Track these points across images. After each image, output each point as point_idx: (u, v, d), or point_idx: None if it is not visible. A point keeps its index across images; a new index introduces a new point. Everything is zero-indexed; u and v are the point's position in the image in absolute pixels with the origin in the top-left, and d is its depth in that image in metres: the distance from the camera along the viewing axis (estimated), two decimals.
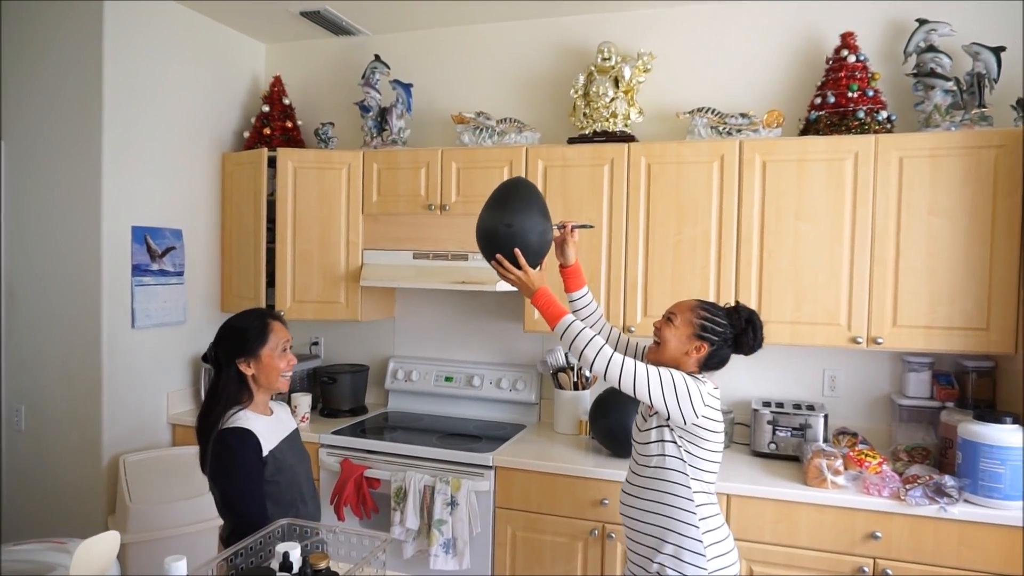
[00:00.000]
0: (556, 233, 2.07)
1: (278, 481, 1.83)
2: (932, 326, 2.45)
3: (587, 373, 3.02)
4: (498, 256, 1.90)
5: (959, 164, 2.40)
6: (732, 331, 1.88)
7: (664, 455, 1.84)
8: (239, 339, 1.87)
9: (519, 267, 1.89)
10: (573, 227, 2.10)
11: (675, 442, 1.83)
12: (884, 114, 2.57)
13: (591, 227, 2.24)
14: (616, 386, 1.78)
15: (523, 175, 2.89)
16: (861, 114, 2.55)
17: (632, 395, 1.78)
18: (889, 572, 2.24)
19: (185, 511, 2.77)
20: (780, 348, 2.88)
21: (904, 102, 2.72)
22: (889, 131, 2.57)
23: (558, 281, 2.14)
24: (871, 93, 2.58)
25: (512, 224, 1.87)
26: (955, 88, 2.51)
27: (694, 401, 1.78)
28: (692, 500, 1.82)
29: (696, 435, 1.81)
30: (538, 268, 1.93)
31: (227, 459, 1.78)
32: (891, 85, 2.74)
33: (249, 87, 3.59)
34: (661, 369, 1.80)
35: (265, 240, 3.19)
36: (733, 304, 1.93)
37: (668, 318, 1.91)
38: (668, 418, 1.80)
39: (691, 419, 1.78)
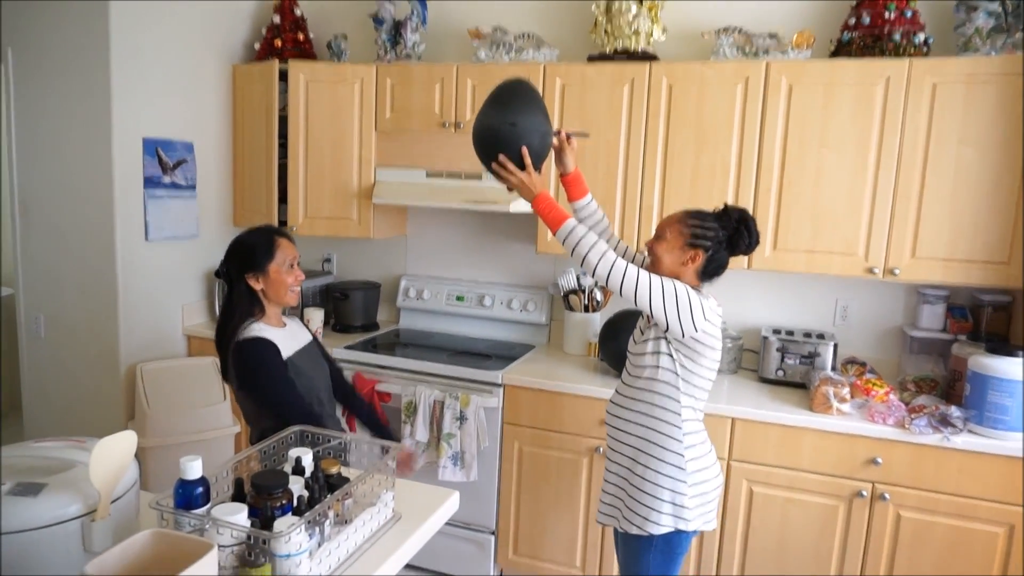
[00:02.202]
0: (553, 141, 2.00)
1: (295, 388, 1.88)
2: (951, 258, 2.41)
3: (589, 278, 3.01)
4: (501, 157, 1.84)
5: (995, 92, 2.30)
6: (724, 233, 1.85)
7: (658, 367, 1.84)
8: (247, 255, 1.89)
9: (522, 168, 1.84)
10: (569, 135, 2.03)
11: (671, 355, 1.83)
12: (921, 36, 2.45)
13: (587, 135, 2.17)
14: (617, 293, 1.77)
15: (541, 94, 2.79)
16: (897, 36, 2.44)
17: (632, 303, 1.77)
18: (887, 496, 2.29)
19: (201, 418, 2.85)
20: (793, 276, 2.85)
21: (944, 24, 2.59)
22: (925, 55, 2.46)
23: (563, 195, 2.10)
24: (909, 14, 2.45)
25: (516, 123, 1.81)
26: (999, 10, 2.38)
27: (695, 314, 1.77)
28: (679, 415, 1.84)
29: (693, 349, 1.81)
30: (538, 172, 1.88)
31: (251, 368, 1.84)
32: (931, 6, 2.60)
33: None
34: (664, 279, 1.78)
35: (277, 155, 3.16)
36: (722, 207, 1.90)
37: (658, 235, 1.89)
38: (667, 329, 1.79)
39: (690, 332, 1.78)
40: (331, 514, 1.36)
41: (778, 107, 2.53)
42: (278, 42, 3.21)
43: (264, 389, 1.84)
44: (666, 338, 1.83)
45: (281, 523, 1.24)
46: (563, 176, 2.06)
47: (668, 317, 1.76)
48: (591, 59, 2.83)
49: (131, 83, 2.86)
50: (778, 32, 2.63)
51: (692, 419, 1.87)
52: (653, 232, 2.66)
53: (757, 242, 1.87)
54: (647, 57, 2.76)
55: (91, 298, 2.94)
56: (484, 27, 2.97)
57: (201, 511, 1.27)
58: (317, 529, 1.30)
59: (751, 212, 2.55)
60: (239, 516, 1.22)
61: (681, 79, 2.63)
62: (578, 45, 3.06)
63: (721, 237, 1.85)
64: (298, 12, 3.27)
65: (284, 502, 1.30)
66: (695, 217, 1.86)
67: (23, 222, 3.00)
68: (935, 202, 2.41)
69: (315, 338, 2.14)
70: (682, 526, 1.85)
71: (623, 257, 2.08)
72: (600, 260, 1.77)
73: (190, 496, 1.28)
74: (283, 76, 3.10)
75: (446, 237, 3.42)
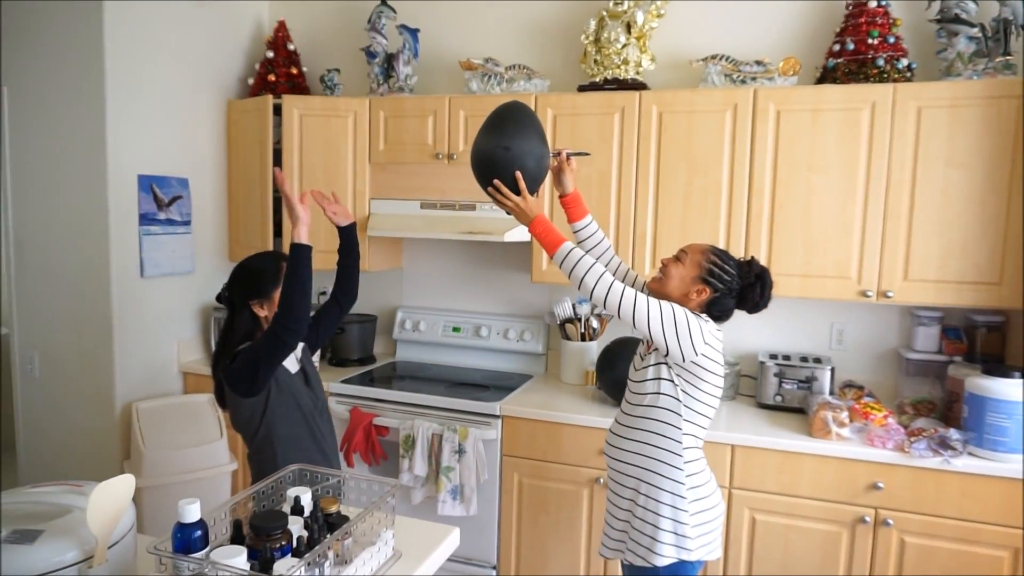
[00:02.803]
0: (552, 162, 2.00)
1: (281, 401, 1.88)
2: (943, 280, 2.42)
3: (585, 306, 3.01)
4: (495, 182, 1.84)
5: (979, 114, 2.34)
6: (739, 283, 1.85)
7: (659, 393, 1.83)
8: (254, 281, 1.88)
9: (517, 192, 1.84)
10: (569, 154, 2.04)
11: (672, 380, 1.82)
12: (904, 62, 2.49)
13: (587, 155, 2.20)
14: (616, 316, 1.77)
15: None
16: (881, 62, 2.48)
17: (632, 326, 1.76)
18: (890, 521, 2.27)
19: (198, 457, 2.82)
20: (789, 301, 2.87)
21: (926, 49, 2.64)
22: (909, 80, 2.50)
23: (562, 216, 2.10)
24: (892, 40, 2.50)
25: (510, 148, 1.81)
26: (980, 35, 2.43)
27: (694, 337, 1.76)
28: (680, 442, 1.82)
29: (695, 374, 1.80)
30: (535, 195, 1.88)
31: (243, 353, 1.82)
32: (913, 31, 2.66)
33: (252, 32, 3.51)
34: (663, 302, 1.78)
35: (272, 189, 3.17)
36: (748, 258, 1.91)
37: (678, 256, 1.90)
38: (667, 354, 1.79)
39: (690, 356, 1.77)
40: (331, 554, 1.35)
41: (767, 133, 2.56)
42: (272, 77, 3.25)
43: (259, 351, 1.80)
44: (667, 363, 1.82)
45: (281, 565, 1.23)
46: (562, 197, 2.06)
47: (668, 340, 1.75)
48: (582, 89, 2.87)
49: (126, 120, 2.88)
50: (764, 59, 2.68)
51: (693, 447, 1.86)
52: (652, 255, 2.72)
53: (766, 304, 1.88)
54: (637, 86, 2.80)
55: (86, 336, 2.92)
56: (475, 59, 3.01)
57: (200, 555, 1.25)
58: (317, 570, 1.29)
59: (744, 235, 2.60)
60: (238, 559, 1.20)
61: (671, 107, 2.67)
62: (569, 75, 3.11)
63: (735, 285, 1.85)
64: (291, 47, 3.32)
65: (283, 543, 1.29)
66: (719, 255, 1.86)
67: (17, 260, 3.00)
68: (924, 224, 2.43)
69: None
70: (685, 556, 1.83)
71: (625, 280, 2.09)
72: (598, 283, 1.76)
73: (188, 539, 1.26)
74: (277, 110, 3.13)
75: (441, 268, 3.43)
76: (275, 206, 3.18)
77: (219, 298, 1.95)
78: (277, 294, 1.87)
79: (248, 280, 1.89)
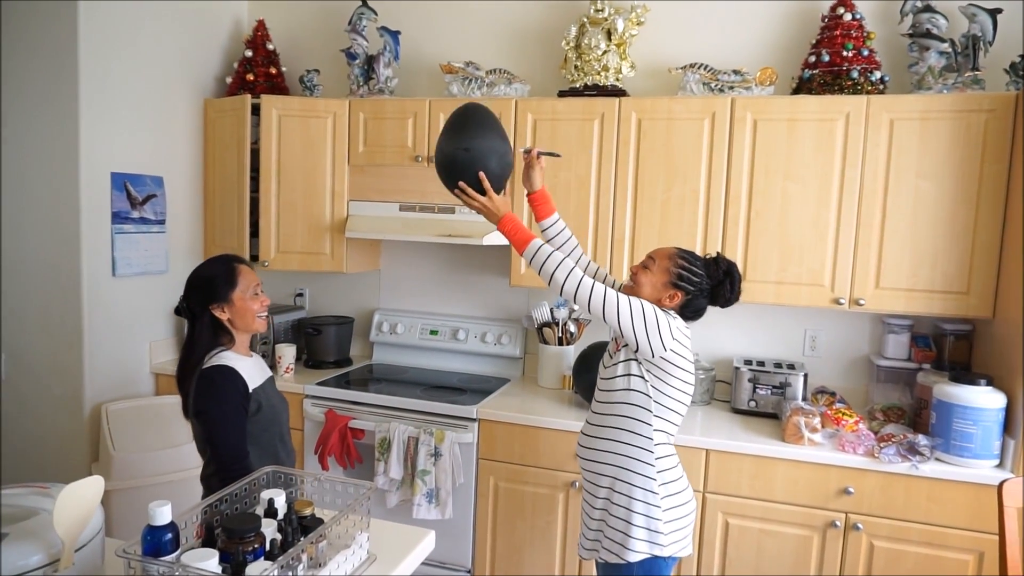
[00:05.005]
0: (523, 158, 2.03)
1: (259, 420, 1.84)
2: (914, 289, 2.47)
3: (562, 311, 3.02)
4: (461, 184, 1.86)
5: (949, 128, 2.40)
6: (709, 282, 1.88)
7: (629, 389, 1.84)
8: (208, 287, 1.86)
9: (483, 193, 1.86)
10: (539, 153, 2.05)
11: (642, 376, 1.83)
12: (878, 74, 2.54)
13: (558, 155, 2.21)
14: (586, 311, 1.79)
15: (513, 128, 2.84)
16: (855, 74, 2.53)
17: (601, 320, 1.78)
18: (860, 526, 2.31)
19: (168, 459, 2.78)
20: (763, 307, 2.90)
21: (898, 63, 2.70)
22: (882, 92, 2.55)
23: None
24: (866, 53, 2.55)
25: (470, 148, 1.83)
26: (950, 50, 2.48)
27: (663, 332, 1.77)
28: (651, 439, 1.84)
29: (664, 370, 1.82)
30: (502, 193, 1.90)
31: (211, 395, 1.79)
32: (886, 45, 2.71)
33: (231, 31, 3.48)
34: (632, 298, 1.80)
35: (249, 189, 3.14)
36: (713, 255, 1.93)
37: (645, 263, 1.91)
38: (636, 349, 1.80)
39: (659, 351, 1.79)
40: (305, 557, 1.33)
41: (744, 141, 2.60)
42: (250, 76, 3.22)
43: (215, 421, 1.78)
44: (636, 359, 1.84)
45: (253, 568, 1.21)
46: (530, 195, 2.07)
47: (637, 335, 1.77)
48: (562, 94, 2.88)
49: (100, 117, 2.83)
50: (742, 69, 2.71)
51: (664, 443, 1.87)
52: (629, 260, 2.74)
53: (737, 298, 1.90)
54: (616, 92, 2.82)
55: (55, 336, 2.86)
56: (456, 62, 3.01)
57: (170, 558, 1.23)
58: (291, 573, 1.27)
59: (721, 242, 2.63)
60: (210, 562, 1.19)
61: (650, 114, 2.69)
62: (549, 80, 3.12)
63: (705, 285, 1.87)
64: (270, 46, 3.29)
65: (256, 546, 1.27)
66: (685, 259, 1.88)
67: None
68: (896, 234, 2.48)
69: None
70: (657, 552, 1.84)
71: (595, 277, 2.10)
72: (568, 278, 1.78)
73: (159, 542, 1.24)
74: (255, 110, 3.10)
75: (420, 271, 3.42)
76: (252, 206, 3.15)
77: (178, 310, 1.92)
78: (235, 295, 1.85)
79: (203, 287, 1.87)
